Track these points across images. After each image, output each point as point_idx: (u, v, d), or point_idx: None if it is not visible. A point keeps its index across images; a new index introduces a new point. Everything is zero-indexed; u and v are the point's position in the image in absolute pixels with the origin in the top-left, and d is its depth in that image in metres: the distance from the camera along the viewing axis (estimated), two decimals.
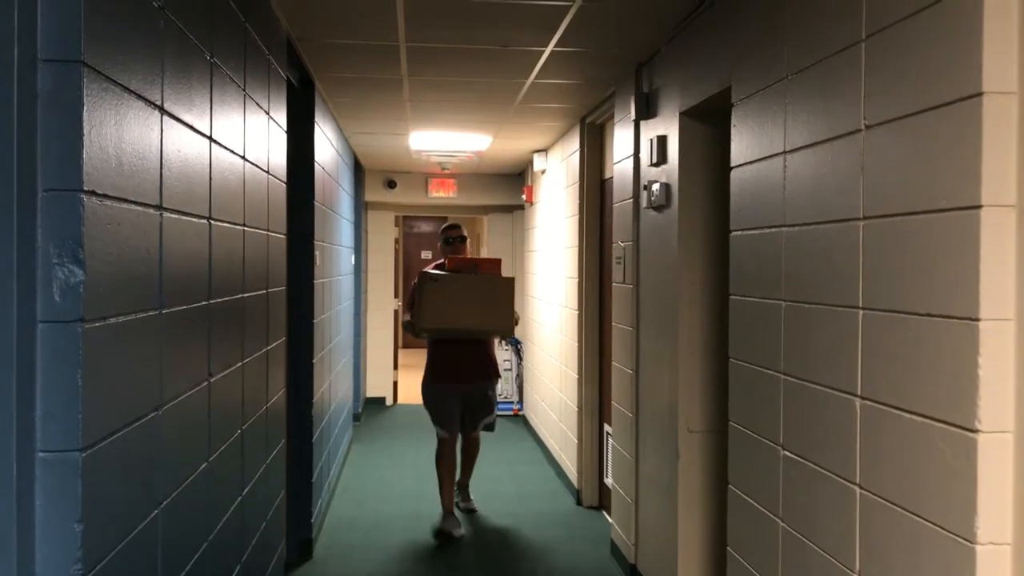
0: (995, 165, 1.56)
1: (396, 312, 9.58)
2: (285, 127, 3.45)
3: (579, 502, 5.50)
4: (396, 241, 9.96)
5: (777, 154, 2.46)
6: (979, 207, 1.56)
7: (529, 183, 7.95)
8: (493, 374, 5.04)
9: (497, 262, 4.91)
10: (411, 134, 6.22)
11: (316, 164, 4.53)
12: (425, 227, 14.64)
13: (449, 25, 3.48)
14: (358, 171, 8.14)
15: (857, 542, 1.98)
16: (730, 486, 2.80)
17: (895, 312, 1.84)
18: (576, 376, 5.61)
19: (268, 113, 3.05)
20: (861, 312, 1.98)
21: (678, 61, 3.49)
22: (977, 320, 1.56)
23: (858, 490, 1.98)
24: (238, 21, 2.55)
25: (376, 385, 9.33)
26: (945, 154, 1.67)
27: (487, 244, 10.17)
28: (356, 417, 8.21)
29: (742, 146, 2.74)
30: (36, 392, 1.35)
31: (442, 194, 8.99)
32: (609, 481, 4.81)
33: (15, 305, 1.33)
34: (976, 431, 1.56)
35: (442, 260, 4.88)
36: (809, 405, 2.23)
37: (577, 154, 5.64)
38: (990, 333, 1.55)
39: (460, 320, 4.63)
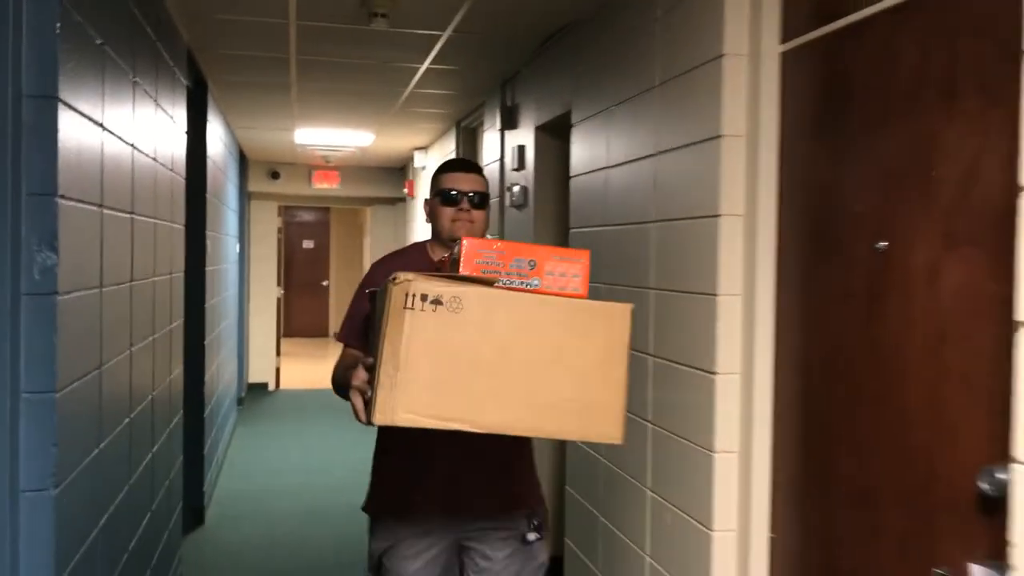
0: (729, 186, 2.21)
1: (278, 300, 9.86)
2: (184, 128, 3.84)
3: None
4: (279, 230, 10.22)
5: (602, 168, 3.09)
6: (718, 216, 2.22)
7: (411, 178, 8.44)
8: (531, 502, 2.19)
9: (583, 255, 1.70)
10: (296, 130, 6.59)
11: (208, 159, 4.88)
12: (307, 216, 14.84)
13: (336, 43, 3.95)
14: (243, 162, 8.39)
15: (649, 465, 2.64)
16: None
17: (673, 291, 2.49)
18: None
19: (172, 118, 3.44)
20: (652, 292, 2.63)
21: (534, 83, 4.09)
22: (716, 295, 2.22)
23: (650, 426, 2.63)
24: (151, 41, 2.95)
25: (259, 371, 9.60)
26: (702, 176, 2.32)
27: (370, 234, 10.59)
28: (240, 401, 8.49)
29: (578, 160, 3.37)
30: (21, 347, 1.78)
31: (326, 185, 9.34)
32: None
33: (8, 282, 1.76)
34: (715, 373, 2.22)
35: (424, 244, 2.27)
36: None
37: (453, 155, 6.19)
38: (724, 305, 2.21)
39: (487, 410, 1.59)
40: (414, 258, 2.19)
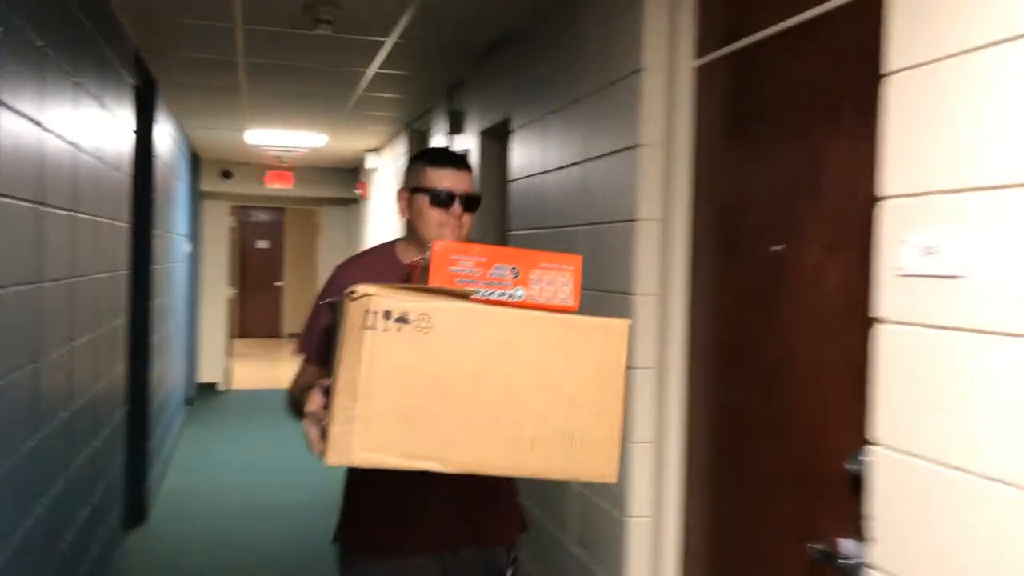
0: (647, 192, 2.35)
1: (230, 300, 9.83)
2: (132, 127, 3.88)
3: None
4: (231, 230, 10.19)
5: (537, 173, 3.22)
6: (636, 220, 2.36)
7: (363, 179, 8.50)
8: (513, 532, 2.05)
9: (574, 261, 1.48)
10: (248, 131, 6.62)
11: (156, 158, 4.90)
12: (262, 216, 14.76)
13: (283, 48, 4.02)
14: (195, 161, 8.37)
15: None
16: None
17: (598, 291, 2.62)
18: None
19: (118, 118, 3.49)
20: (584, 292, 2.75)
21: (478, 90, 4.21)
22: (633, 295, 2.36)
23: None
24: (96, 43, 3.01)
25: (209, 371, 9.55)
26: (622, 183, 2.46)
27: (323, 235, 10.61)
28: (189, 401, 8.46)
29: (517, 165, 3.50)
30: None
31: (279, 186, 9.34)
32: None
33: None
34: (632, 368, 2.36)
35: (392, 246, 2.02)
36: None
37: (404, 157, 6.28)
38: (640, 304, 2.35)
39: (461, 447, 1.39)
40: (381, 261, 1.92)
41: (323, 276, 10.87)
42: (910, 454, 1.32)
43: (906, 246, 1.32)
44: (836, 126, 1.75)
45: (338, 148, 7.59)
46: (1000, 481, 1.15)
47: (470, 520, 1.89)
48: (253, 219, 14.70)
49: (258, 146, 7.48)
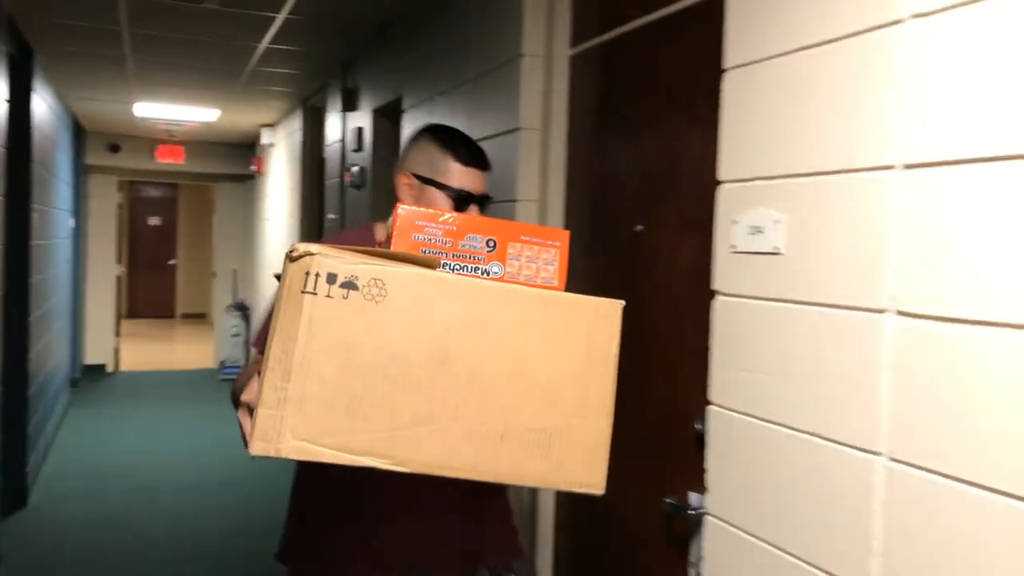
0: (527, 174, 2.46)
1: (119, 279, 9.49)
2: (3, 96, 3.72)
3: None
4: (120, 206, 9.81)
5: None
6: (516, 201, 2.47)
7: (259, 155, 8.33)
8: (504, 550, 1.75)
9: (562, 236, 1.28)
10: (136, 103, 6.40)
11: (33, 129, 4.70)
12: (153, 192, 14.23)
13: (171, 18, 3.93)
14: (78, 134, 8.01)
15: None
16: None
17: None
18: None
19: None
20: None
21: (371, 68, 4.23)
22: None
23: None
24: None
25: (96, 352, 9.21)
26: (504, 165, 2.56)
27: (219, 212, 10.35)
28: (74, 383, 8.15)
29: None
30: None
31: (171, 161, 9.05)
32: None
33: None
34: None
35: (371, 226, 1.83)
36: None
37: (299, 133, 6.21)
38: None
39: (415, 442, 1.14)
40: (355, 238, 1.68)
41: (219, 254, 10.56)
42: (738, 412, 1.47)
43: (737, 226, 1.47)
44: (691, 115, 1.89)
45: (232, 123, 7.42)
46: (812, 434, 1.32)
47: (444, 538, 1.62)
48: (144, 195, 14.15)
49: (147, 119, 7.23)
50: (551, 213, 2.42)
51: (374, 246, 1.46)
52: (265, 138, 7.50)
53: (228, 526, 4.53)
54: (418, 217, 1.20)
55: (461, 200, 1.66)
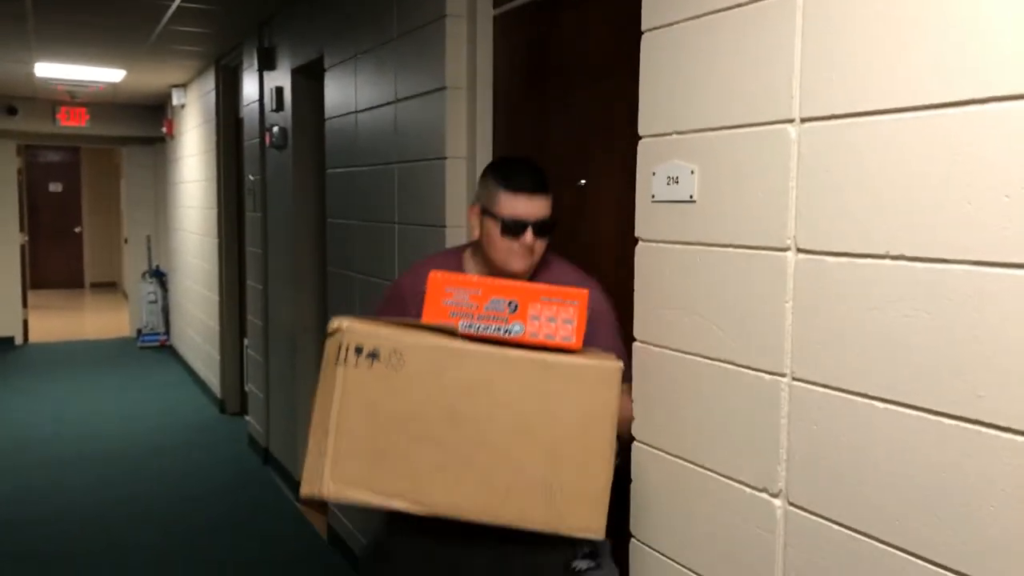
0: (454, 132, 2.55)
1: (22, 247, 9.11)
2: None
3: (223, 410, 6.13)
4: (19, 172, 9.37)
5: (352, 112, 3.32)
6: (445, 158, 2.55)
7: (170, 116, 8.08)
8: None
9: (580, 295, 1.46)
10: (36, 63, 6.12)
11: None
12: (53, 156, 13.58)
13: None
14: None
15: None
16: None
17: (412, 224, 2.81)
18: (217, 298, 6.16)
19: None
20: (396, 226, 2.93)
21: (289, 26, 4.19)
22: (444, 227, 2.57)
23: None
24: None
25: (3, 324, 8.87)
26: (432, 123, 2.63)
27: (126, 177, 10.00)
28: None
29: (331, 103, 3.57)
30: None
31: (73, 124, 8.68)
32: (248, 386, 5.52)
33: None
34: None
35: (461, 255, 1.93)
36: (373, 292, 3.18)
37: (213, 93, 6.07)
38: (451, 235, 2.56)
39: (433, 489, 1.37)
40: (443, 264, 1.73)
41: (127, 220, 10.25)
42: (657, 345, 1.62)
43: (655, 177, 1.60)
44: (624, 75, 2.00)
45: (139, 83, 7.17)
46: (726, 362, 1.47)
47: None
48: (42, 160, 13.49)
49: (46, 80, 6.91)
50: (480, 170, 2.51)
51: (460, 271, 1.76)
52: (176, 99, 7.28)
53: (157, 491, 4.53)
54: (447, 283, 1.39)
55: (510, 227, 1.71)
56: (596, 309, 1.68)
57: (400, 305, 1.77)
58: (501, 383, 1.31)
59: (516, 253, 1.73)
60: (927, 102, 1.12)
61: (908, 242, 1.15)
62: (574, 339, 1.36)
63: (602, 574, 1.71)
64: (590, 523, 1.31)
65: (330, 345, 1.32)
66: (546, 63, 2.31)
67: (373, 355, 1.32)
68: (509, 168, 1.81)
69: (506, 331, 1.36)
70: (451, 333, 1.35)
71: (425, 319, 1.37)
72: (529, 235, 1.73)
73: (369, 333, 1.32)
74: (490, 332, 1.36)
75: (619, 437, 1.47)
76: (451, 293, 1.39)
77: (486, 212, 1.76)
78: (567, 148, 2.25)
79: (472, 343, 1.35)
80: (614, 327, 1.79)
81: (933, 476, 1.12)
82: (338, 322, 1.33)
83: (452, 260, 1.89)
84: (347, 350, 1.31)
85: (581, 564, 1.68)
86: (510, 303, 1.37)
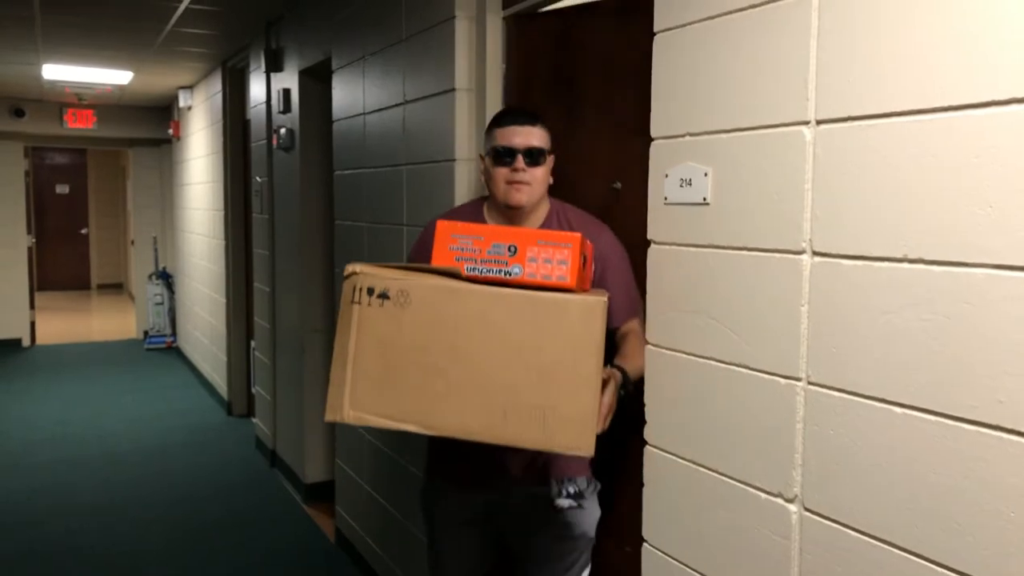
0: (463, 134, 2.54)
1: (30, 249, 9.13)
2: None
3: (230, 412, 6.13)
4: (27, 173, 9.39)
5: (360, 114, 3.32)
6: (454, 160, 2.55)
7: (176, 118, 8.09)
8: (565, 466, 1.97)
9: (574, 238, 1.56)
10: (44, 65, 6.14)
11: None
12: (60, 158, 13.61)
13: None
14: None
15: None
16: None
17: (423, 226, 2.79)
18: (224, 300, 6.16)
19: None
20: (405, 228, 2.92)
21: (296, 27, 4.19)
22: None
23: None
24: None
25: (10, 326, 8.90)
26: (440, 125, 2.63)
27: (132, 178, 10.02)
28: None
29: (339, 105, 3.57)
30: None
31: (80, 126, 8.70)
32: (255, 388, 5.51)
33: None
34: None
35: (480, 204, 2.08)
36: None
37: (220, 95, 6.08)
38: None
39: (440, 413, 1.56)
40: (469, 214, 2.01)
41: (134, 222, 10.27)
42: (670, 349, 1.61)
43: (668, 179, 1.59)
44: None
45: (146, 85, 7.18)
46: (740, 366, 1.46)
47: (514, 463, 1.89)
48: (49, 162, 13.53)
49: (54, 82, 6.93)
50: None
51: (482, 222, 1.96)
52: (182, 100, 7.29)
53: (164, 492, 4.53)
54: (452, 230, 1.55)
55: (500, 155, 1.90)
56: (605, 252, 1.88)
57: (425, 255, 1.83)
58: (495, 318, 1.45)
59: (512, 183, 1.88)
60: (946, 104, 1.11)
61: (927, 245, 1.13)
62: (569, 279, 1.49)
63: (583, 513, 1.90)
64: (579, 442, 1.44)
65: (346, 287, 1.48)
66: (571, 62, 2.28)
67: (383, 295, 1.49)
68: (501, 111, 2.04)
69: (506, 273, 1.50)
70: (454, 275, 1.49)
71: (433, 264, 1.53)
72: (520, 161, 1.88)
73: (380, 275, 1.49)
74: (492, 274, 1.50)
75: (629, 373, 1.68)
76: (456, 239, 1.53)
77: (486, 154, 1.95)
78: (597, 149, 2.21)
79: (472, 284, 1.49)
80: (623, 269, 1.92)
81: (952, 482, 1.11)
82: (353, 266, 1.49)
83: (472, 211, 2.05)
84: (361, 291, 1.48)
85: (563, 502, 1.89)
86: (510, 247, 1.50)
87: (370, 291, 1.49)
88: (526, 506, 1.93)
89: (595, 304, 1.45)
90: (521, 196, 1.89)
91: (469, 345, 1.46)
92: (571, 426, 1.44)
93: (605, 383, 1.60)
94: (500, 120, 1.97)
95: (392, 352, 1.49)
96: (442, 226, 1.54)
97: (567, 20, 2.30)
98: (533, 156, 1.89)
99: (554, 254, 1.51)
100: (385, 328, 1.49)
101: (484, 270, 1.50)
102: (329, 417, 1.50)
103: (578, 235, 1.51)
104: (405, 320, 1.48)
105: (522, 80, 2.45)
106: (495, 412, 1.46)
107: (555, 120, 2.35)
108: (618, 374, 1.67)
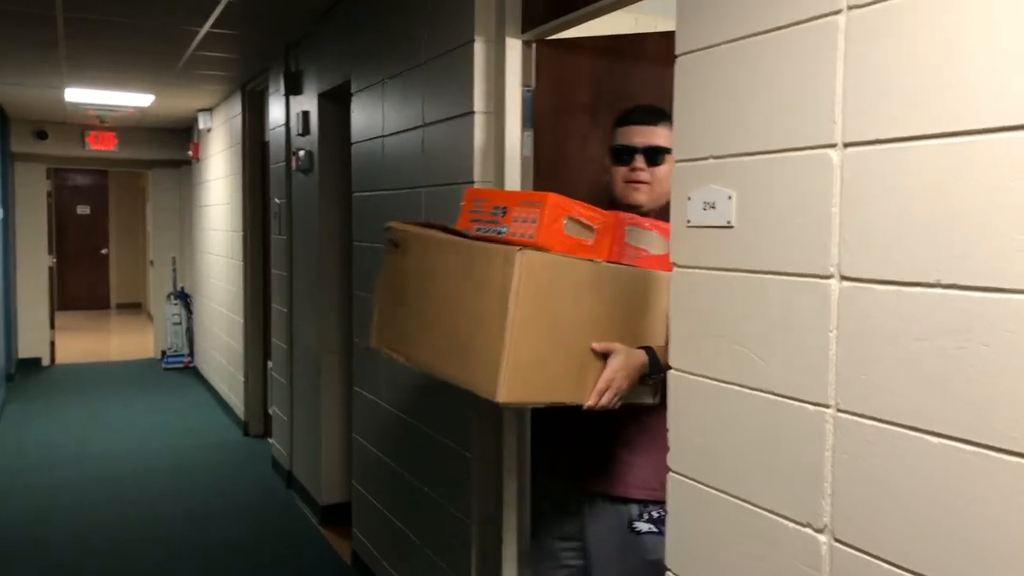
0: (481, 156, 2.53)
1: (51, 269, 9.22)
2: None
3: (246, 433, 6.13)
4: (48, 195, 9.51)
5: (379, 136, 3.33)
6: (472, 182, 2.54)
7: (196, 140, 8.17)
8: (640, 485, 1.91)
9: (544, 197, 1.63)
10: (67, 88, 6.22)
11: None
12: (82, 179, 13.78)
13: (110, 2, 3.85)
14: (3, 120, 7.74)
15: (422, 403, 2.95)
16: (355, 387, 3.69)
17: None
18: (242, 321, 6.18)
19: None
20: None
21: (316, 51, 4.22)
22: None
23: None
24: None
25: (31, 345, 8.96)
26: (459, 147, 2.62)
27: (152, 199, 10.12)
28: (9, 377, 7.93)
29: (358, 128, 3.58)
30: None
31: (102, 148, 8.80)
32: (272, 409, 5.51)
33: None
34: None
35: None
36: None
37: (239, 117, 6.13)
38: None
39: (418, 348, 1.76)
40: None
41: (153, 242, 10.39)
42: (693, 374, 1.59)
43: (691, 202, 1.57)
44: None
45: (167, 108, 7.27)
46: (766, 392, 1.43)
47: (593, 472, 1.89)
48: (71, 183, 13.69)
49: (77, 104, 7.03)
50: None
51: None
52: (202, 123, 7.37)
53: (180, 512, 4.53)
54: (472, 195, 1.76)
55: (619, 154, 1.90)
56: None
57: None
58: (452, 266, 1.60)
59: (630, 182, 1.87)
60: (981, 126, 1.08)
61: (962, 270, 1.11)
62: (536, 236, 1.55)
63: (660, 540, 1.73)
64: (488, 387, 1.49)
65: (385, 239, 1.80)
66: (596, 93, 2.28)
67: (395, 244, 1.73)
68: (627, 109, 1.97)
69: (498, 232, 1.60)
70: (445, 230, 1.68)
71: (458, 226, 1.71)
72: (638, 161, 1.86)
73: (400, 229, 1.74)
74: (488, 233, 1.61)
75: (662, 358, 1.68)
76: (473, 203, 1.69)
77: (607, 155, 1.95)
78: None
79: (448, 235, 1.66)
80: None
81: (990, 514, 1.07)
82: (392, 223, 1.80)
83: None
84: (388, 242, 1.77)
85: (642, 526, 1.85)
86: (502, 209, 1.61)
87: (391, 242, 1.75)
88: (604, 526, 1.90)
89: (512, 253, 1.48)
90: (639, 195, 1.86)
91: (435, 290, 1.63)
92: (484, 369, 1.49)
93: (607, 355, 1.63)
94: (623, 119, 1.93)
95: (396, 293, 1.73)
96: (469, 192, 1.73)
97: (610, 46, 2.30)
98: (654, 155, 1.86)
99: (529, 214, 1.57)
100: (393, 273, 1.74)
101: (484, 230, 1.62)
102: (371, 343, 1.85)
103: (547, 194, 1.57)
104: (401, 266, 1.72)
105: (552, 100, 2.43)
106: (445, 352, 1.59)
107: (597, 144, 2.36)
108: (640, 354, 1.67)
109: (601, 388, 1.62)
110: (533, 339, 1.51)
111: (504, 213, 1.58)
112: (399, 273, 1.72)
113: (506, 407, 1.71)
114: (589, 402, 1.65)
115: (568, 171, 2.32)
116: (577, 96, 2.33)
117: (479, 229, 1.62)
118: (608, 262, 1.69)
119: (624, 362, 1.66)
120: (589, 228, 1.64)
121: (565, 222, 1.59)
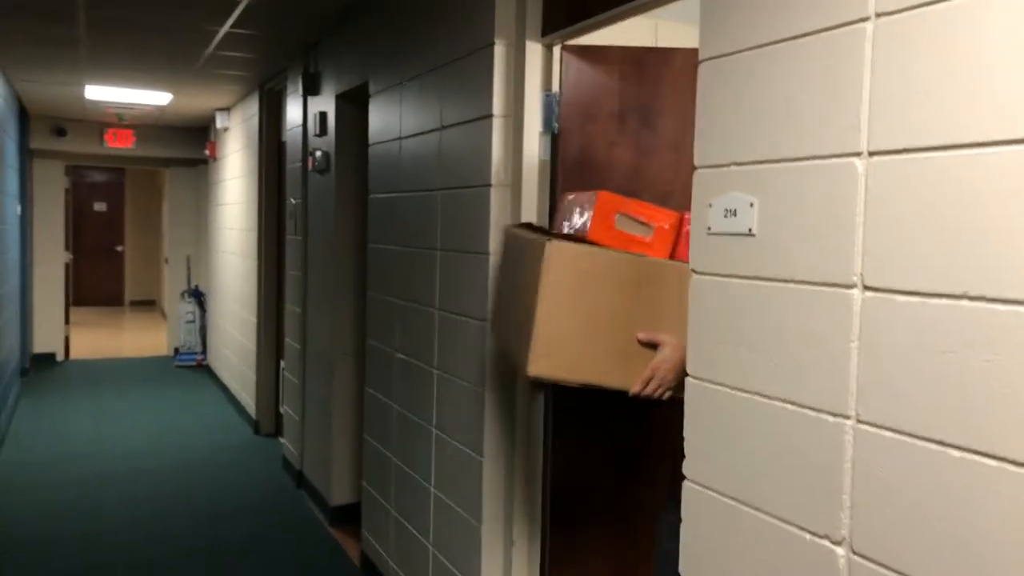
0: (498, 159, 2.53)
1: (67, 265, 9.28)
2: None
3: (257, 431, 6.14)
4: (66, 191, 9.58)
5: (396, 139, 3.33)
6: (489, 186, 2.54)
7: (213, 139, 8.21)
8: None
9: (598, 195, 1.88)
10: (87, 86, 6.27)
11: None
12: (99, 176, 13.87)
13: (133, 1, 3.88)
14: (23, 117, 7.81)
15: (434, 405, 2.94)
16: (366, 388, 3.69)
17: (454, 251, 2.79)
18: (255, 320, 6.20)
19: None
20: (439, 252, 2.92)
21: (334, 52, 4.24)
22: (487, 255, 2.54)
23: (435, 372, 2.93)
24: None
25: (45, 340, 9.02)
26: (475, 151, 2.62)
27: (168, 197, 10.17)
28: (24, 372, 7.98)
29: (375, 129, 3.58)
30: None
31: (120, 146, 8.86)
32: (284, 408, 5.52)
33: None
34: (484, 320, 2.55)
35: None
36: (413, 319, 3.16)
37: (256, 117, 6.16)
38: (494, 262, 2.54)
39: (502, 329, 2.10)
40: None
41: (168, 240, 10.45)
42: (712, 383, 1.57)
43: (712, 209, 1.56)
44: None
45: (185, 106, 7.31)
46: (786, 401, 1.42)
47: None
48: (88, 180, 13.79)
49: (96, 102, 7.08)
50: (525, 197, 2.49)
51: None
52: (220, 122, 7.40)
53: (189, 510, 4.54)
54: (570, 204, 1.97)
55: None
56: None
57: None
58: (517, 258, 1.87)
59: None
60: (1011, 136, 1.07)
61: (989, 282, 1.09)
62: (588, 232, 1.76)
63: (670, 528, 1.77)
64: (522, 362, 1.70)
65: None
66: (644, 96, 2.27)
67: (503, 244, 2.13)
68: None
69: (572, 229, 1.83)
70: (531, 229, 2.03)
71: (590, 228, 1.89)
72: None
73: (504, 230, 2.22)
74: (567, 230, 1.85)
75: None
76: (567, 210, 1.96)
77: None
78: (651, 178, 2.21)
79: (533, 234, 1.88)
80: None
81: (1013, 530, 1.06)
82: (505, 225, 2.30)
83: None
84: (502, 242, 2.19)
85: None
86: (580, 208, 1.84)
87: (502, 242, 2.19)
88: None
89: (544, 244, 1.67)
90: None
91: (514, 278, 1.89)
92: (523, 347, 1.69)
93: (656, 346, 1.70)
94: None
95: (498, 284, 2.22)
96: (562, 201, 2.03)
97: (638, 57, 2.30)
98: None
99: (586, 211, 1.81)
100: (500, 266, 2.20)
101: (567, 228, 1.89)
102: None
103: (600, 192, 1.79)
104: (502, 261, 2.13)
105: (577, 103, 2.42)
106: (512, 334, 1.86)
107: (624, 150, 2.35)
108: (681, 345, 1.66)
109: (647, 376, 1.67)
110: (563, 320, 1.68)
111: (581, 212, 1.82)
112: (501, 267, 2.08)
113: (537, 380, 1.76)
114: (634, 389, 1.72)
115: (593, 176, 2.31)
116: (605, 103, 2.33)
117: (569, 228, 1.86)
118: (662, 259, 1.83)
119: (670, 354, 1.68)
120: (646, 225, 1.77)
121: (616, 218, 1.74)
